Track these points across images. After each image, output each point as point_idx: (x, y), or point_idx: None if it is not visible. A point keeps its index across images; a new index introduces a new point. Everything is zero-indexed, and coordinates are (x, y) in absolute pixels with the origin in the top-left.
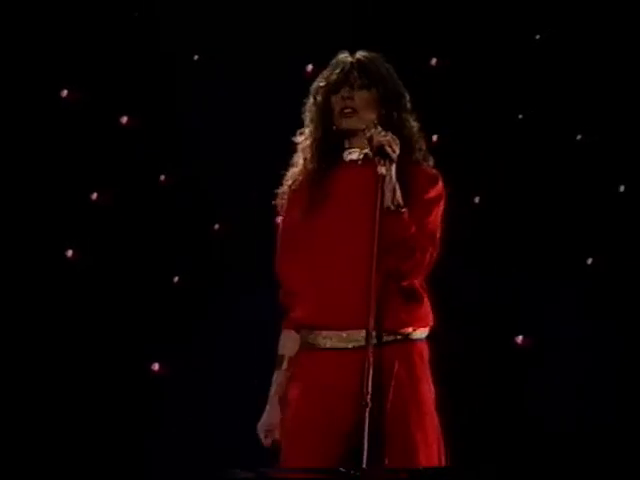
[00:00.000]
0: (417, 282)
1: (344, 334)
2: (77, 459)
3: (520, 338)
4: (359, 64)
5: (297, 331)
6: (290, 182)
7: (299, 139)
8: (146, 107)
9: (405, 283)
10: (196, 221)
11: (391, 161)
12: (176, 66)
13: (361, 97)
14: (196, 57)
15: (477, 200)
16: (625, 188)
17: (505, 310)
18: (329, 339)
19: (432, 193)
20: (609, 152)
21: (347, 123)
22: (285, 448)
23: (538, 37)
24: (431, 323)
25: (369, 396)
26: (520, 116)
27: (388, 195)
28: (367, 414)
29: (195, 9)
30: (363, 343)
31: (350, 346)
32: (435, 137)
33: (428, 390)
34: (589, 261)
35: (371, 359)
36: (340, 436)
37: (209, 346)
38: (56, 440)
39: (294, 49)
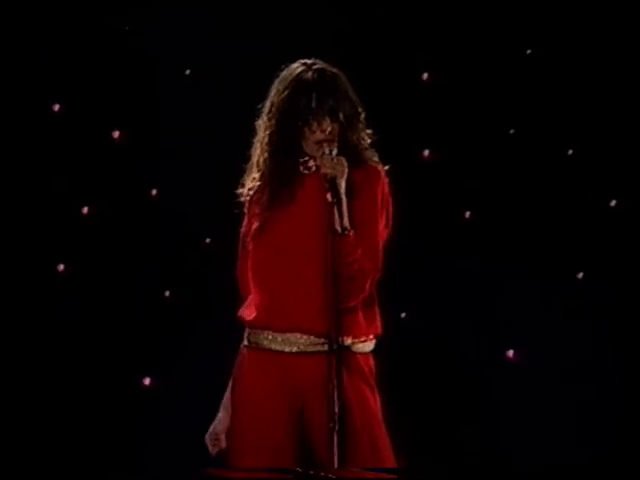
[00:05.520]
0: (374, 285)
1: (284, 337)
2: (67, 471)
3: (511, 352)
4: (328, 89)
5: (244, 330)
6: (249, 187)
7: (258, 134)
8: (138, 121)
9: (342, 305)
10: (187, 235)
11: (339, 191)
12: (168, 80)
13: (334, 126)
14: (188, 71)
15: (468, 215)
16: (616, 203)
17: (495, 325)
18: (268, 340)
19: (377, 192)
20: (600, 167)
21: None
22: (232, 449)
23: (529, 52)
24: (376, 336)
25: (336, 416)
26: (512, 131)
27: (336, 219)
28: (335, 436)
29: (186, 24)
30: (301, 348)
31: (287, 350)
32: (426, 152)
33: (372, 400)
34: (580, 275)
35: (335, 382)
36: (284, 435)
37: (201, 360)
38: (45, 455)
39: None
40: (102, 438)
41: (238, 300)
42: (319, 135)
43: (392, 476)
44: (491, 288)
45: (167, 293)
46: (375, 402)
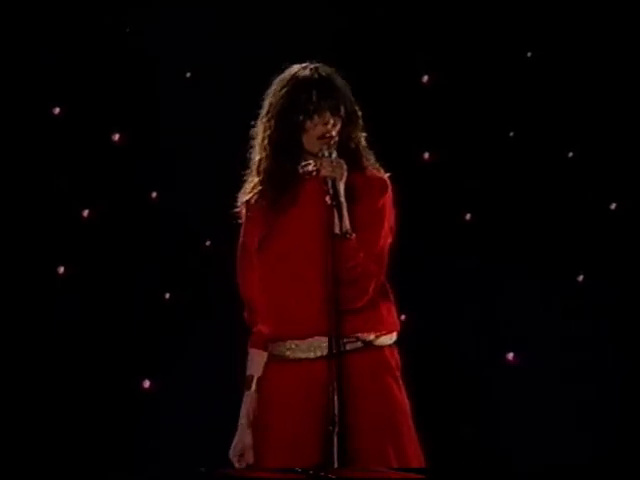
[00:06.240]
0: (378, 288)
1: (305, 342)
2: (67, 471)
3: (511, 353)
4: (327, 85)
5: (264, 347)
6: (248, 195)
7: (257, 138)
8: (138, 124)
9: (347, 307)
10: (188, 237)
11: (338, 193)
12: (168, 82)
13: (335, 120)
14: (188, 74)
15: (468, 217)
16: (616, 206)
17: (496, 325)
18: (291, 350)
19: (381, 201)
20: (600, 170)
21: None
22: (260, 462)
23: (530, 54)
24: (396, 329)
25: (336, 419)
26: (511, 133)
27: (336, 222)
28: (335, 437)
29: (186, 25)
30: (325, 352)
31: (312, 356)
32: (427, 154)
33: (399, 394)
34: (580, 278)
35: (335, 385)
36: (313, 446)
37: (201, 362)
38: (45, 455)
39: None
40: (102, 439)
41: (238, 303)
42: (321, 129)
43: (399, 475)
44: (491, 289)
45: (167, 295)
46: (402, 396)
